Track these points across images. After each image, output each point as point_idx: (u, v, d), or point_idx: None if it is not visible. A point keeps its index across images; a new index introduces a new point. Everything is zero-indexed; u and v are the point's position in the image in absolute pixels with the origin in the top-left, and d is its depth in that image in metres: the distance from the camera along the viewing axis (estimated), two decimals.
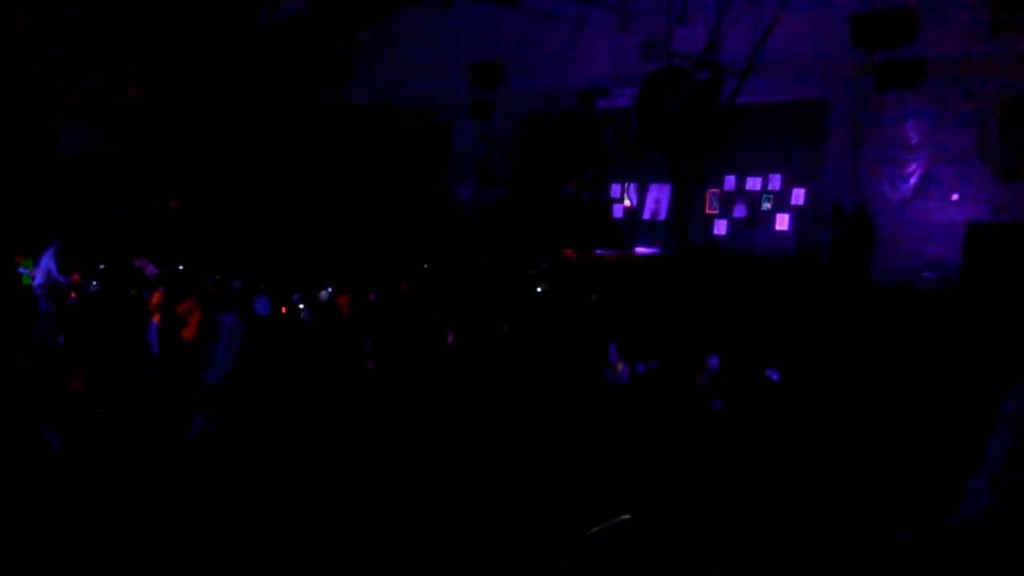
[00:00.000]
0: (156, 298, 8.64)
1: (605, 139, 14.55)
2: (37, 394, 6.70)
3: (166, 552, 5.02)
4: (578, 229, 14.56)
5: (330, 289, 9.56)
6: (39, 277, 10.01)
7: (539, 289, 11.56)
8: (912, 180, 11.21)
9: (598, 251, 13.82)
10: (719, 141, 10.53)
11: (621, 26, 12.95)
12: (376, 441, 6.77)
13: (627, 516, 3.37)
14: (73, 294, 10.05)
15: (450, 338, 8.76)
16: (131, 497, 5.62)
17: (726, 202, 13.49)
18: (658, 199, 14.46)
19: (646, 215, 14.60)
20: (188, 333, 7.97)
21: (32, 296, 10.24)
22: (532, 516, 5.33)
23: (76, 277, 10.16)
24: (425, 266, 13.08)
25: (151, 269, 10.78)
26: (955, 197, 10.86)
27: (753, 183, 13.16)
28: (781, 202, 12.86)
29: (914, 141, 11.16)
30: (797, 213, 12.67)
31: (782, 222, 12.83)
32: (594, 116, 14.55)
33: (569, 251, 13.47)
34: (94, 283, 10.30)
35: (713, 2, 9.55)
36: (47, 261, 10.00)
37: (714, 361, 7.03)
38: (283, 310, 9.17)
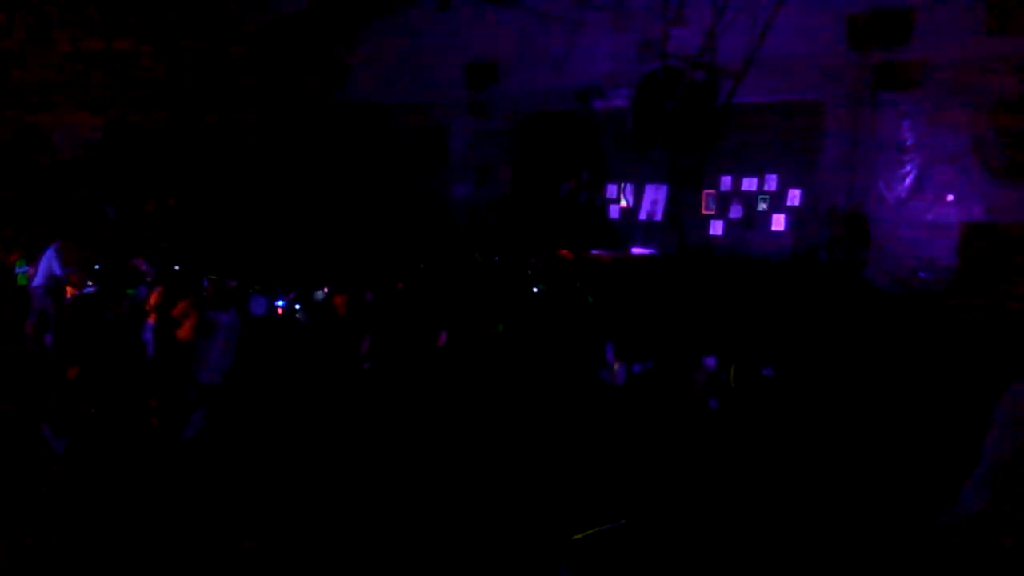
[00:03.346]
0: (152, 299, 8.62)
1: (602, 139, 14.56)
2: (35, 393, 6.69)
3: (164, 552, 5.01)
4: (574, 229, 14.57)
5: (326, 289, 9.56)
6: (39, 277, 9.98)
7: (535, 289, 11.56)
8: (908, 181, 11.23)
9: (594, 251, 13.83)
10: (715, 142, 10.55)
11: (618, 26, 12.96)
12: (373, 442, 6.77)
13: (623, 521, 3.37)
14: (70, 292, 10.03)
15: (443, 338, 8.76)
16: (128, 497, 5.61)
17: (722, 203, 13.50)
18: (654, 199, 14.47)
19: (642, 215, 14.61)
20: (183, 333, 7.96)
21: (27, 296, 10.22)
22: (528, 518, 5.33)
23: (73, 277, 10.13)
24: (421, 266, 13.08)
25: (147, 269, 10.76)
26: (950, 198, 10.88)
27: (749, 184, 13.18)
28: (777, 203, 12.89)
29: (910, 142, 11.18)
30: (793, 214, 12.70)
31: (778, 223, 12.85)
32: (591, 116, 14.56)
33: (565, 251, 13.48)
34: (90, 283, 10.27)
35: (709, 3, 9.58)
36: (48, 261, 9.98)
37: (711, 361, 7.04)
38: (279, 310, 9.17)
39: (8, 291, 10.92)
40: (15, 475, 5.74)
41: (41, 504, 5.46)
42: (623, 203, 14.96)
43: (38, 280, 9.99)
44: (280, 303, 9.28)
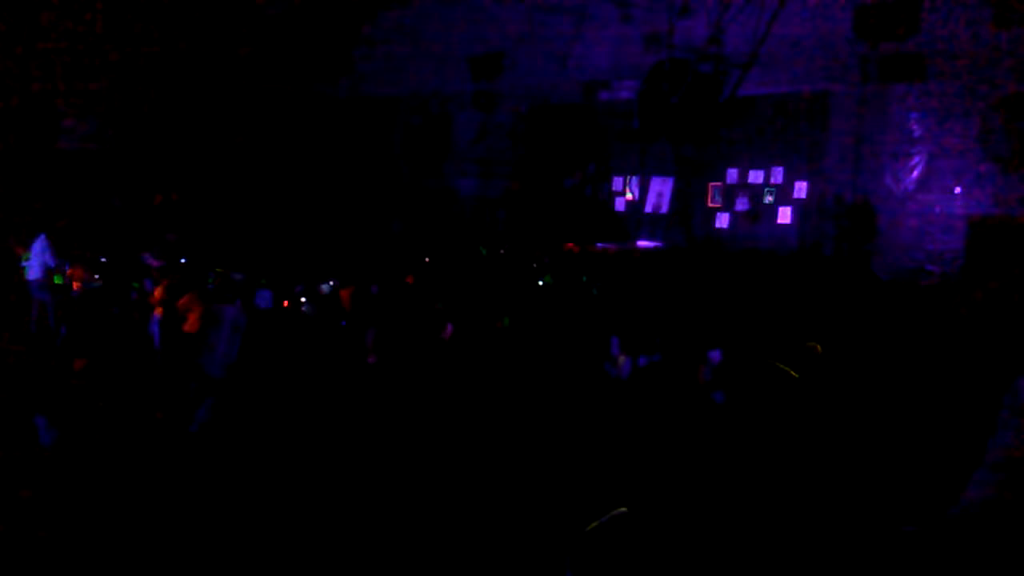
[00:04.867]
0: (158, 292, 8.64)
1: (607, 132, 14.53)
2: (35, 385, 6.70)
3: (166, 547, 5.03)
4: (580, 222, 14.56)
5: (332, 282, 9.57)
6: (35, 271, 10.03)
7: (541, 282, 11.56)
8: (914, 173, 11.19)
9: (600, 244, 13.82)
10: (721, 134, 10.51)
11: (623, 18, 12.91)
12: (377, 434, 6.78)
13: (624, 509, 3.36)
14: (76, 286, 10.06)
15: (449, 330, 8.77)
16: (132, 490, 5.63)
17: (728, 195, 13.47)
18: (660, 192, 14.44)
19: (648, 208, 14.59)
20: (189, 326, 7.98)
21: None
22: (533, 510, 5.33)
23: (79, 272, 10.16)
24: (427, 259, 13.09)
25: (153, 262, 10.79)
26: (957, 190, 10.84)
27: (755, 176, 13.15)
28: (783, 195, 12.85)
29: (917, 134, 11.13)
30: (799, 206, 12.66)
31: (784, 215, 12.82)
32: (596, 109, 14.53)
33: (571, 244, 13.47)
34: (96, 277, 10.31)
35: None
36: (40, 254, 10.02)
37: (716, 354, 7.03)
38: (285, 303, 9.18)
39: (14, 283, 10.95)
40: (13, 468, 5.75)
41: (43, 497, 5.48)
42: (629, 196, 14.93)
43: (35, 273, 10.04)
44: (285, 296, 9.30)
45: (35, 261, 10.04)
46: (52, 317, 9.70)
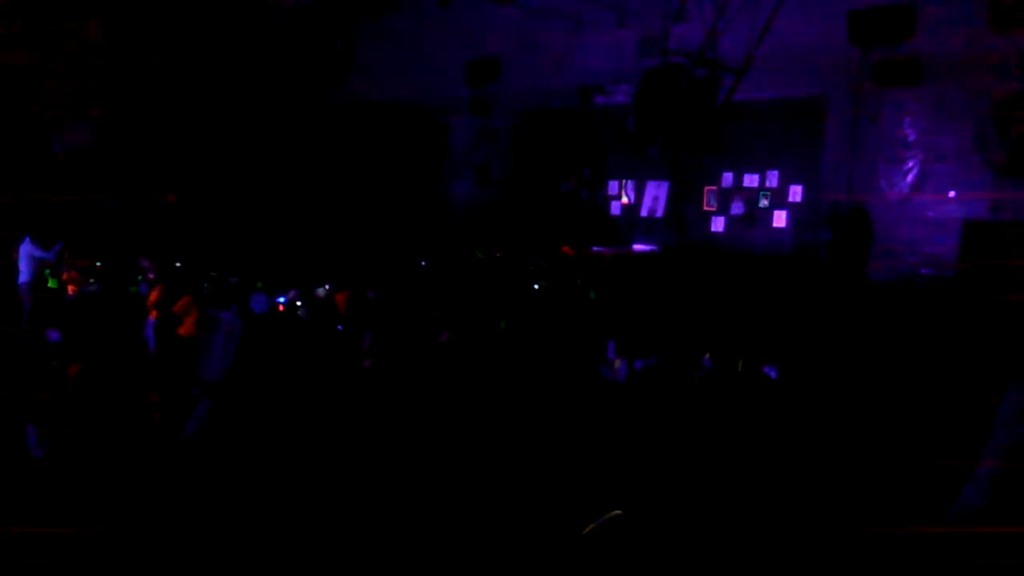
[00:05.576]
0: (153, 295, 8.63)
1: (603, 136, 14.55)
2: (28, 391, 6.68)
3: (163, 551, 5.02)
4: (576, 226, 14.58)
5: (327, 286, 9.56)
6: (24, 274, 10.03)
7: (536, 286, 11.56)
8: (909, 177, 11.22)
9: (596, 248, 13.83)
10: (716, 138, 10.53)
11: (619, 23, 12.96)
12: (374, 439, 6.77)
13: (619, 511, 3.37)
14: (72, 289, 10.05)
15: (445, 336, 8.75)
16: (127, 495, 5.62)
17: (723, 199, 13.50)
18: (656, 196, 14.46)
19: (644, 212, 14.60)
20: (184, 330, 7.96)
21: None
22: (530, 513, 5.33)
23: (74, 276, 10.15)
24: (423, 263, 13.09)
25: (148, 266, 10.78)
26: (952, 194, 10.87)
27: (750, 180, 13.17)
28: (778, 199, 12.87)
29: (911, 138, 11.16)
30: (794, 210, 12.68)
31: (779, 219, 12.84)
32: (592, 113, 14.55)
33: (567, 248, 13.48)
34: (91, 281, 10.29)
35: None
36: (27, 255, 10.03)
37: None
38: (280, 307, 9.17)
39: (10, 289, 10.93)
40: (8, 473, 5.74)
41: (38, 501, 5.47)
42: (624, 200, 14.95)
43: (24, 277, 10.04)
44: (281, 300, 9.29)
45: (23, 264, 10.05)
46: (33, 321, 9.70)
